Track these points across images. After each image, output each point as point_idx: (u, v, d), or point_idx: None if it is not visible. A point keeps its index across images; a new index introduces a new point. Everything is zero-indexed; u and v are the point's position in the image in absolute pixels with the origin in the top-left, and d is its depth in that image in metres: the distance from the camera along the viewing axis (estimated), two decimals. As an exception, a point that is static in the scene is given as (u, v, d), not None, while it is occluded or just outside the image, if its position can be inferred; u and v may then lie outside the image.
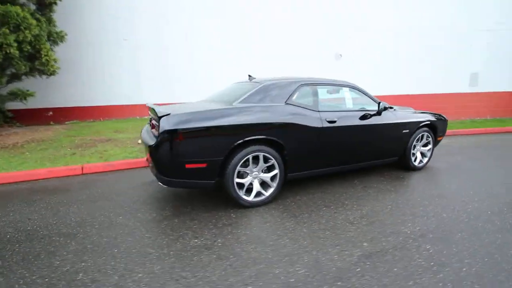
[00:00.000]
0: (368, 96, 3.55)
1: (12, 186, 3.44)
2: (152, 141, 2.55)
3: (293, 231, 2.29)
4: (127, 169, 4.16)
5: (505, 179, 3.60)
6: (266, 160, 2.74)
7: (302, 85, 3.09)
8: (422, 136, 3.95)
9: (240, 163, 2.59)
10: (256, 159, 2.70)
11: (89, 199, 2.99)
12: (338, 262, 1.88)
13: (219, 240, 2.16)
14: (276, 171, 2.79)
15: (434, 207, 2.76)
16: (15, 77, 6.24)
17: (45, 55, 5.92)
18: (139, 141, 5.34)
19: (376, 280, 1.70)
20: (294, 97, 3.00)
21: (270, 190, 2.81)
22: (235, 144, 2.56)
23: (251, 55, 8.40)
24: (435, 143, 4.18)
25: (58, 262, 1.90)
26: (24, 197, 3.05)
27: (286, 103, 2.92)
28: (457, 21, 8.97)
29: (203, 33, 8.23)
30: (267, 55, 8.40)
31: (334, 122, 3.09)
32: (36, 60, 6.01)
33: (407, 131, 3.74)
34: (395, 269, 1.81)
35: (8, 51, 5.18)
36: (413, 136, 3.82)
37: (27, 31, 5.38)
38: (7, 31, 5.15)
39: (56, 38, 6.66)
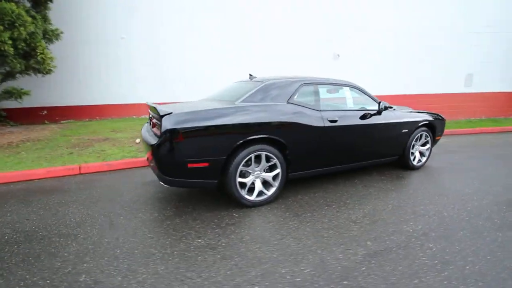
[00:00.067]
0: (369, 96, 3.57)
1: (8, 186, 3.37)
2: (153, 141, 2.52)
3: (297, 230, 2.29)
4: (126, 168, 4.10)
5: (503, 178, 3.65)
6: (268, 159, 2.73)
7: (303, 84, 3.09)
8: (421, 135, 3.98)
9: (243, 162, 2.58)
10: (258, 159, 2.69)
11: (88, 199, 2.95)
12: (343, 261, 1.88)
13: (223, 240, 2.14)
14: (278, 171, 2.78)
15: (434, 206, 2.78)
16: (10, 75, 6.13)
17: (40, 53, 5.82)
18: (137, 140, 5.29)
19: (382, 279, 1.71)
20: (296, 96, 2.99)
21: (272, 190, 2.80)
22: (238, 143, 2.54)
23: (251, 55, 8.37)
24: (434, 142, 4.22)
25: (59, 264, 1.86)
26: (21, 198, 2.99)
27: (288, 102, 2.91)
28: (457, 22, 9.05)
29: (203, 33, 8.18)
30: (267, 55, 8.38)
31: (336, 121, 3.10)
32: (32, 58, 5.90)
33: (407, 130, 3.77)
34: (400, 268, 1.82)
35: (2, 49, 5.08)
36: (412, 135, 3.85)
37: (22, 28, 5.28)
38: (2, 28, 5.04)
39: (51, 36, 6.55)
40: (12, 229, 2.32)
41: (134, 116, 8.15)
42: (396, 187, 3.31)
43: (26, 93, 6.27)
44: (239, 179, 2.61)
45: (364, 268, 1.81)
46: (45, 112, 7.72)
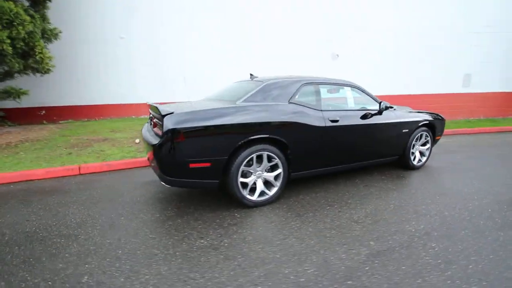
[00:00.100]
0: (369, 96, 3.57)
1: (7, 187, 3.34)
2: (155, 140, 2.51)
3: (299, 231, 2.28)
4: (125, 169, 4.09)
5: (504, 178, 3.67)
6: (269, 159, 2.72)
7: (304, 84, 3.09)
8: (421, 135, 3.99)
9: (245, 162, 2.57)
10: (259, 159, 2.68)
11: (88, 199, 2.93)
12: (347, 261, 1.88)
13: (225, 240, 2.13)
14: (279, 170, 2.78)
15: (436, 205, 2.78)
16: (8, 75, 6.08)
17: (39, 53, 5.78)
18: (137, 141, 5.27)
19: (386, 279, 1.70)
20: (297, 96, 2.99)
21: (274, 190, 2.80)
22: (239, 143, 2.53)
23: (251, 55, 8.36)
24: (434, 142, 4.23)
25: (61, 265, 1.85)
26: (21, 198, 2.97)
27: (289, 102, 2.91)
28: (457, 22, 9.06)
29: (203, 33, 8.16)
30: (267, 55, 8.37)
31: (337, 121, 3.10)
32: (30, 57, 5.86)
33: (407, 130, 3.78)
34: (403, 267, 1.82)
35: (0, 48, 5.04)
36: (413, 135, 3.86)
37: (20, 27, 5.24)
38: (0, 27, 5.01)
39: (50, 35, 6.50)
40: (13, 230, 2.30)
41: (134, 116, 8.12)
42: (397, 187, 3.31)
43: (24, 93, 6.23)
44: (241, 179, 2.60)
45: (367, 268, 1.80)
46: (44, 112, 7.68)
